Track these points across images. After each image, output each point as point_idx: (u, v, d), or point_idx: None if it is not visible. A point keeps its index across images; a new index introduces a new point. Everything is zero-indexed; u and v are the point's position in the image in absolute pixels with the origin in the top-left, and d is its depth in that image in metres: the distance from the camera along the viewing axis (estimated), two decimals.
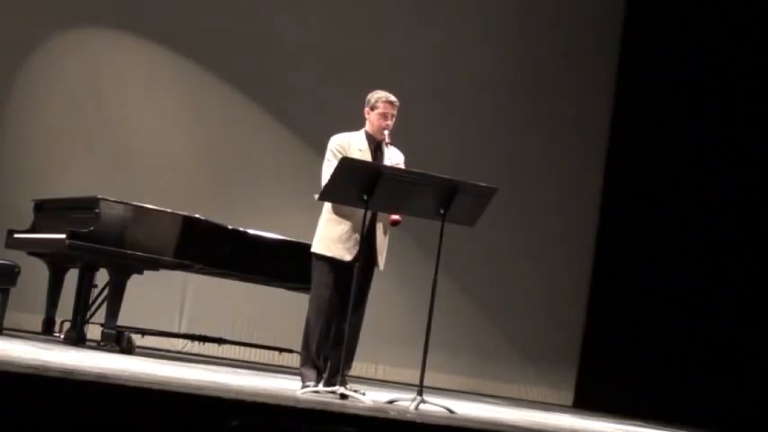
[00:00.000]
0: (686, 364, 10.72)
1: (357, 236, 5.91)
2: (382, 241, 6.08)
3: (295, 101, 10.46)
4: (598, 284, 11.63)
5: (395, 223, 6.03)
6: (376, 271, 6.10)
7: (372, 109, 6.09)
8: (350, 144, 6.04)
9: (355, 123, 6.18)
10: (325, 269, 6.02)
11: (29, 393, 3.69)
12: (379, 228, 6.05)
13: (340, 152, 5.95)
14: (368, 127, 6.12)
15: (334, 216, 6.03)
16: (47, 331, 7.97)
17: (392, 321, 10.22)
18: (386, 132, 6.02)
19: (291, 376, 7.84)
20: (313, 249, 6.09)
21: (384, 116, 6.04)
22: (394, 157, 6.01)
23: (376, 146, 6.08)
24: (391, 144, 6.02)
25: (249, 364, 9.09)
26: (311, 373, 5.95)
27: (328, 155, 6.03)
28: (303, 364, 6.03)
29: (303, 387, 5.87)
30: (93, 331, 7.97)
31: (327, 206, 6.08)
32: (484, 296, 11.27)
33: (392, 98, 6.09)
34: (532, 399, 11.21)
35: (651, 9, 11.80)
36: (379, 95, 6.10)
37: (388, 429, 4.64)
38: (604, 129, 11.89)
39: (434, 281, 5.87)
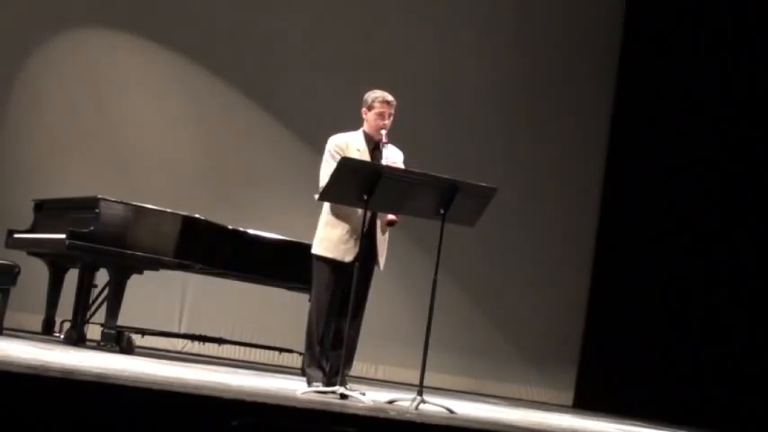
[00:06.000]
0: (686, 364, 10.72)
1: (357, 236, 5.91)
2: (382, 241, 6.09)
3: (295, 101, 10.46)
4: (598, 285, 11.63)
5: (391, 223, 6.02)
6: (376, 271, 6.12)
7: (369, 109, 6.09)
8: (348, 144, 6.05)
9: (355, 123, 6.19)
10: (326, 270, 6.03)
11: (29, 393, 3.69)
12: (378, 228, 6.06)
13: (338, 153, 5.95)
14: (365, 127, 6.12)
15: (333, 218, 6.03)
16: (47, 331, 7.96)
17: (392, 321, 10.22)
18: (383, 132, 6.03)
19: (291, 376, 7.85)
20: (313, 251, 6.09)
21: (381, 116, 6.05)
22: (392, 156, 6.00)
23: (374, 146, 6.09)
24: (389, 143, 6.02)
25: (249, 364, 9.09)
26: (317, 374, 5.95)
27: (326, 155, 6.04)
28: (308, 365, 6.03)
29: (310, 388, 5.86)
30: (93, 331, 7.96)
31: (326, 207, 6.08)
32: (484, 296, 11.27)
33: (389, 98, 6.09)
34: (532, 399, 11.21)
35: (651, 8, 11.80)
36: (375, 95, 6.10)
37: (388, 429, 4.64)
38: (604, 129, 11.90)
39: (434, 281, 5.87)
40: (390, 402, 6.04)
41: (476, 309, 11.20)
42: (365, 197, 5.70)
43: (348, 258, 5.96)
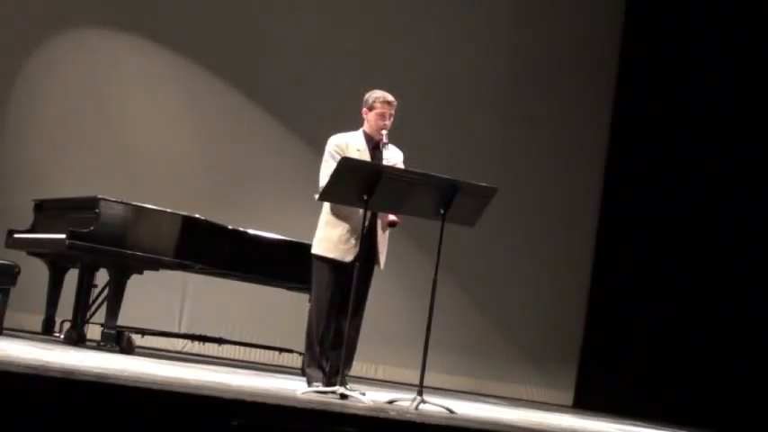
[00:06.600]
0: (686, 363, 10.71)
1: (357, 236, 5.92)
2: (382, 241, 6.09)
3: (295, 101, 10.46)
4: (598, 284, 11.63)
5: (392, 224, 6.03)
6: (376, 270, 6.12)
7: (370, 109, 6.09)
8: (348, 144, 6.05)
9: (355, 123, 6.19)
10: (326, 270, 6.03)
11: (29, 393, 3.69)
12: (378, 227, 6.06)
13: (338, 153, 5.96)
14: (366, 127, 6.13)
15: (333, 218, 6.04)
16: (47, 331, 7.96)
17: (392, 321, 10.21)
18: (383, 132, 6.03)
19: (291, 376, 7.85)
20: (313, 251, 6.09)
21: (382, 116, 6.06)
22: (393, 156, 6.00)
23: (374, 146, 6.10)
24: (389, 143, 6.03)
25: (249, 364, 9.09)
26: (317, 374, 5.95)
27: (326, 155, 6.05)
28: (309, 365, 6.03)
29: (310, 388, 5.86)
30: (93, 331, 7.96)
31: (326, 207, 6.08)
32: (484, 296, 11.27)
33: (390, 98, 6.09)
34: (532, 399, 11.21)
35: (651, 8, 11.80)
36: (376, 95, 6.10)
37: (388, 429, 4.64)
38: (605, 128, 11.90)
39: (434, 281, 5.87)
40: (390, 402, 6.04)
41: (476, 309, 11.19)
42: (365, 197, 5.70)
43: (348, 258, 5.96)
